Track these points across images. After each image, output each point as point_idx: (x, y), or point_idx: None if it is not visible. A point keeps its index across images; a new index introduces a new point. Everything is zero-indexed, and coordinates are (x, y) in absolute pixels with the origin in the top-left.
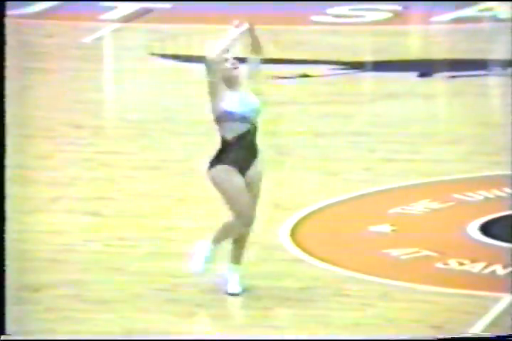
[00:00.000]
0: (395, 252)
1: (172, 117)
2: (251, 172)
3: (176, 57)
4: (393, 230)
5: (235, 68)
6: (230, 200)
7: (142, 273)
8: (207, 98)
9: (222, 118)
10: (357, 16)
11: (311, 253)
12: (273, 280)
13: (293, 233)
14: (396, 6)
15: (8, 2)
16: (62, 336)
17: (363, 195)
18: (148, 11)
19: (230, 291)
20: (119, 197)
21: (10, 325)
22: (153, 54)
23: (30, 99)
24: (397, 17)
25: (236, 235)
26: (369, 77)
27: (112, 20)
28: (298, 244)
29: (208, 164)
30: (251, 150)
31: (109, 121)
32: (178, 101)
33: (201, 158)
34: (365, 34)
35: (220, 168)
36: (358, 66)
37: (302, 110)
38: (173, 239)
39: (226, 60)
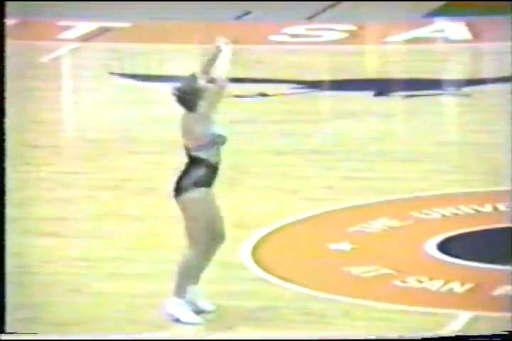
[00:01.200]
0: (355, 270)
1: (131, 136)
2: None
3: (134, 76)
4: (353, 248)
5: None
6: (204, 220)
7: (102, 293)
8: (194, 123)
9: (213, 142)
10: (313, 36)
11: (272, 272)
12: (235, 300)
13: (254, 252)
14: (351, 26)
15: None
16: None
17: (322, 213)
18: (106, 29)
19: (206, 309)
20: (79, 217)
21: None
22: (111, 73)
23: None
24: (353, 37)
25: (199, 267)
26: (326, 96)
27: (70, 40)
28: (259, 263)
29: (184, 186)
30: (216, 177)
31: (66, 140)
32: (137, 121)
33: (161, 177)
34: (322, 53)
35: (203, 190)
36: (315, 85)
37: (261, 129)
38: (134, 259)
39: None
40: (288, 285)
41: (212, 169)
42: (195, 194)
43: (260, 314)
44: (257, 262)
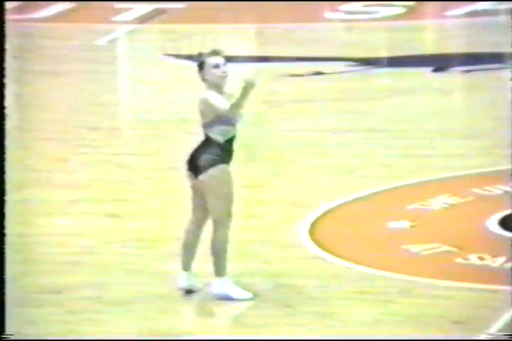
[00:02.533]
0: (414, 248)
1: (188, 117)
2: None
3: (190, 57)
4: (412, 226)
5: (225, 76)
6: (224, 197)
7: (162, 273)
8: (202, 100)
9: (217, 121)
10: (370, 12)
11: (330, 251)
12: (292, 279)
13: (311, 231)
14: (410, 1)
15: (8, 2)
16: (82, 337)
17: (381, 192)
18: (162, 11)
19: (241, 298)
20: (137, 198)
21: (30, 327)
22: (167, 54)
23: (45, 102)
24: (411, 12)
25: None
26: (384, 73)
27: (126, 22)
28: (317, 242)
29: (203, 164)
30: (232, 154)
31: (124, 122)
32: (193, 101)
33: None
34: (379, 30)
35: (223, 167)
36: (372, 62)
37: (317, 107)
38: None
39: (217, 65)
40: (346, 263)
41: (225, 147)
42: (216, 171)
43: (319, 293)
44: (315, 241)
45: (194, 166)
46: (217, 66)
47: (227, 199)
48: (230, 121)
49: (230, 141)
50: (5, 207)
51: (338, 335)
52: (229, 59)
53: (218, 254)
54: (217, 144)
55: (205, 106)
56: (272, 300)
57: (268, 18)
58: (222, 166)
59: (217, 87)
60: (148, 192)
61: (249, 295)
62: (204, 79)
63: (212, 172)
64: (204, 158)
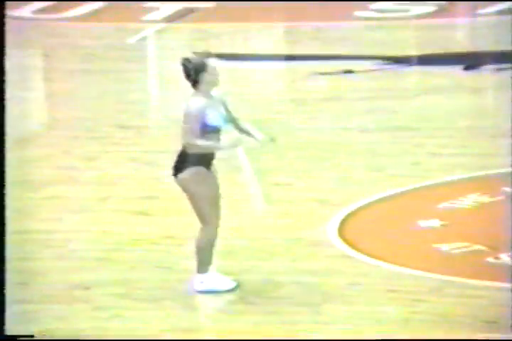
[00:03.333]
0: (445, 247)
1: None
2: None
3: (219, 55)
4: (443, 225)
5: (217, 78)
6: (201, 202)
7: (190, 271)
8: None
9: (206, 130)
10: (401, 11)
11: (359, 249)
12: (321, 277)
13: (340, 229)
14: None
15: (9, 2)
16: (111, 334)
17: (411, 190)
18: (191, 10)
19: (225, 289)
20: (166, 195)
21: (60, 323)
22: (196, 53)
23: (76, 101)
24: (442, 10)
25: (213, 242)
26: (414, 71)
27: (156, 21)
28: (346, 240)
29: (176, 166)
30: (211, 157)
31: (153, 120)
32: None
33: (248, 156)
34: (409, 28)
35: (195, 169)
36: (402, 60)
37: (346, 106)
38: (220, 237)
39: (214, 70)
40: (376, 262)
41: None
42: (187, 173)
43: (348, 291)
44: (344, 239)
45: (173, 168)
46: (213, 70)
47: (199, 200)
48: (207, 129)
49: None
50: (5, 208)
51: (368, 334)
52: (256, 57)
53: (199, 252)
54: None
55: (185, 116)
56: (301, 298)
57: (297, 17)
58: (194, 168)
59: (209, 90)
60: (176, 189)
61: (233, 283)
62: (199, 81)
63: (182, 175)
64: (177, 161)
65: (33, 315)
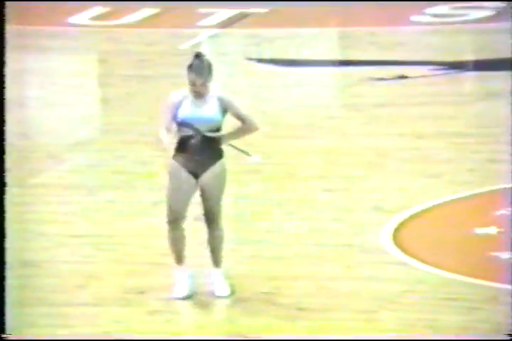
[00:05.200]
0: (503, 255)
1: (270, 121)
2: (205, 177)
3: (272, 61)
4: (499, 232)
5: (197, 94)
6: (167, 193)
7: (244, 276)
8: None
9: (175, 120)
10: (458, 15)
11: (414, 256)
12: (376, 283)
13: (395, 236)
14: (500, 3)
15: (8, 2)
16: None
17: (467, 197)
18: (245, 15)
19: (216, 294)
20: None
21: (116, 326)
22: (250, 59)
23: (130, 106)
24: (500, 14)
25: (177, 238)
26: (470, 76)
27: (210, 26)
28: (400, 247)
29: None
30: (202, 155)
31: None
32: (275, 105)
33: (300, 161)
34: (466, 33)
35: (171, 162)
36: (458, 66)
37: (401, 111)
38: (275, 242)
39: (193, 83)
40: (431, 269)
41: (178, 145)
42: (169, 163)
43: (403, 298)
44: (399, 246)
45: None
46: (193, 84)
47: (166, 192)
48: (180, 123)
49: (185, 142)
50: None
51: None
52: (310, 63)
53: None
54: (177, 142)
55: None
56: (354, 304)
57: (352, 21)
58: (170, 161)
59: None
60: (231, 194)
61: (227, 293)
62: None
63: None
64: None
65: (90, 318)
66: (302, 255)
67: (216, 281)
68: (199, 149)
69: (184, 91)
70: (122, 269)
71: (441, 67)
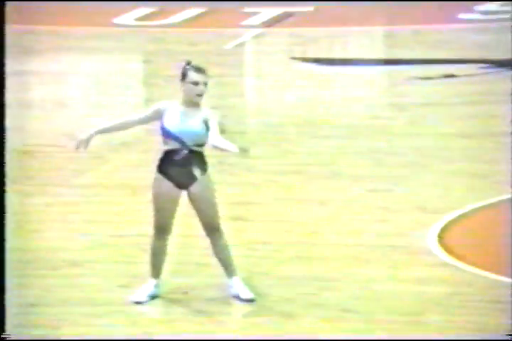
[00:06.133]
0: None
1: (313, 121)
2: (194, 189)
3: (317, 60)
4: None
5: (201, 95)
6: (153, 206)
7: (288, 277)
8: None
9: (160, 132)
10: (507, 12)
11: (460, 258)
12: (422, 285)
13: (440, 237)
14: None
15: (9, 2)
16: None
17: None
18: (289, 14)
19: (243, 297)
20: (263, 201)
21: (160, 326)
22: (294, 58)
23: None
24: None
25: (158, 249)
26: None
27: (254, 26)
28: (446, 248)
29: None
30: (187, 168)
31: (251, 125)
32: (318, 105)
33: (343, 161)
34: None
35: (155, 174)
36: (506, 64)
37: (448, 111)
38: (317, 243)
39: (196, 83)
40: (478, 271)
41: (164, 157)
42: (154, 177)
43: (449, 300)
44: (445, 247)
45: None
46: (196, 83)
47: (153, 204)
48: (164, 134)
49: (171, 154)
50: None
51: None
52: (354, 62)
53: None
54: (162, 153)
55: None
56: (399, 306)
57: (398, 20)
58: (155, 175)
59: (191, 102)
60: (273, 195)
61: (251, 295)
62: (181, 90)
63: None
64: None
65: (134, 318)
66: (346, 256)
67: (237, 288)
68: (185, 163)
69: (167, 102)
70: (165, 269)
71: (489, 65)
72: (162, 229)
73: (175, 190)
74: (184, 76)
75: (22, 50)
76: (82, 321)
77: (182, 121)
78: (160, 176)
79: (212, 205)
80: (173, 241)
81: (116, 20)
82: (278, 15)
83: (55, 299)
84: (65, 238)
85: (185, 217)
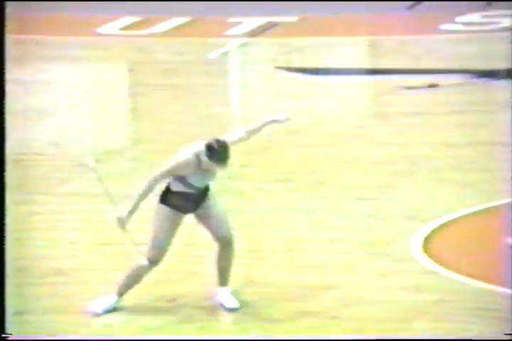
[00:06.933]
0: None
1: (299, 130)
2: (203, 208)
3: (301, 70)
4: None
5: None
6: (152, 236)
7: (273, 285)
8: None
9: (177, 179)
10: (490, 23)
11: (445, 266)
12: (409, 293)
13: (426, 245)
14: None
15: (9, 2)
16: None
17: (499, 206)
18: (274, 24)
19: (228, 306)
20: (249, 209)
21: (143, 332)
22: (278, 67)
23: (160, 115)
24: None
25: (138, 276)
26: (501, 84)
27: (238, 35)
28: (431, 256)
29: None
30: (195, 203)
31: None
32: (304, 114)
33: (329, 169)
34: (497, 41)
35: (160, 206)
36: (489, 74)
37: (433, 120)
38: (303, 251)
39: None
40: (463, 279)
41: (173, 194)
42: (157, 206)
43: (437, 308)
44: (430, 255)
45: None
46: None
47: (152, 232)
48: (185, 184)
49: (185, 195)
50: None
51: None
52: (339, 71)
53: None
54: (169, 189)
55: (172, 160)
56: (387, 314)
57: (382, 30)
58: (160, 205)
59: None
60: (260, 203)
61: (237, 304)
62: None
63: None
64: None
65: (120, 326)
66: (333, 264)
67: (224, 297)
68: (196, 199)
69: (196, 150)
70: (153, 277)
71: (473, 75)
72: (155, 259)
73: (179, 216)
74: (210, 156)
75: (6, 58)
76: (69, 329)
77: (205, 177)
78: (165, 207)
79: (226, 217)
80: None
81: (100, 30)
82: (262, 25)
83: (41, 307)
84: (51, 246)
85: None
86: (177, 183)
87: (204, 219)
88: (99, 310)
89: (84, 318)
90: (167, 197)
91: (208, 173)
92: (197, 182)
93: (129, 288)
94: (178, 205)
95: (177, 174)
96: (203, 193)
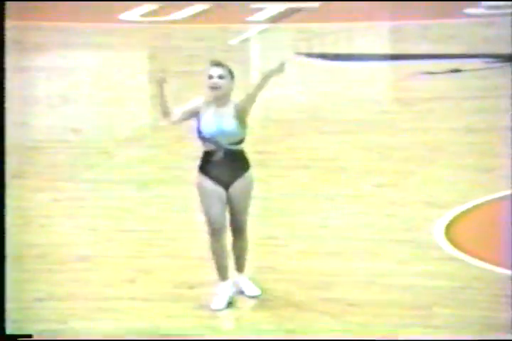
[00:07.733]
0: None
1: (319, 116)
2: (233, 189)
3: (322, 55)
4: None
5: (216, 88)
6: (202, 207)
7: (294, 271)
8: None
9: (196, 134)
10: None
11: (468, 252)
12: (429, 280)
13: (448, 231)
14: None
15: (9, 2)
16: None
17: None
18: (295, 10)
19: (248, 294)
20: (270, 196)
21: (166, 321)
22: (299, 53)
23: (181, 101)
24: None
25: (218, 250)
26: None
27: (260, 22)
28: (453, 243)
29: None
30: (228, 167)
31: (257, 121)
32: (324, 100)
33: (349, 156)
34: None
35: (197, 175)
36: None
37: (454, 105)
38: (324, 237)
39: (210, 76)
40: (485, 265)
41: (204, 158)
42: (196, 177)
43: (457, 294)
44: (451, 241)
45: None
46: (210, 77)
47: (201, 205)
48: (202, 138)
49: (210, 155)
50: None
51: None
52: (360, 57)
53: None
54: (203, 154)
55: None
56: (409, 300)
57: (404, 15)
58: (197, 174)
59: (214, 96)
60: (280, 190)
61: (258, 292)
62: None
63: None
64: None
65: (139, 313)
66: (353, 250)
67: (243, 284)
68: (224, 162)
69: (208, 101)
70: (172, 264)
71: (496, 59)
72: (216, 229)
73: (218, 188)
74: (207, 73)
75: (28, 46)
76: (89, 315)
77: (215, 122)
78: (202, 176)
79: (245, 207)
80: (178, 236)
81: (121, 17)
82: (283, 11)
83: (62, 294)
84: (73, 233)
85: (194, 212)
86: (201, 141)
87: (230, 200)
88: (223, 306)
89: (105, 304)
90: (201, 165)
91: (216, 116)
92: (207, 126)
93: (225, 268)
94: (208, 172)
95: (190, 108)
96: (234, 157)
